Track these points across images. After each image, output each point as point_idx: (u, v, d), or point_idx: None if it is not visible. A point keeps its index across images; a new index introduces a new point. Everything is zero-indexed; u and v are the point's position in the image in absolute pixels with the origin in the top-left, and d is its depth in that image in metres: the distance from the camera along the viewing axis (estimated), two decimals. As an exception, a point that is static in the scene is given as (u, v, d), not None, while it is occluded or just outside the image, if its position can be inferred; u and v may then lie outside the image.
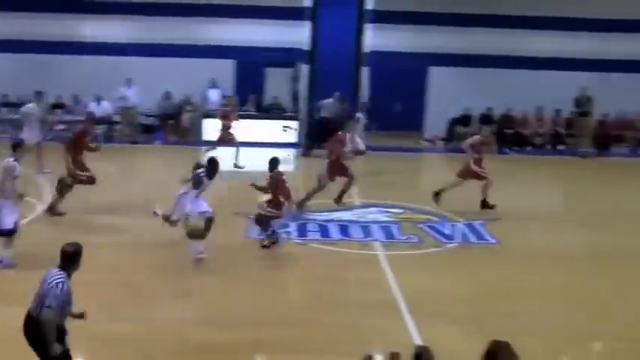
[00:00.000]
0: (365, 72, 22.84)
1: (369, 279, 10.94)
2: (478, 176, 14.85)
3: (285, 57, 22.50)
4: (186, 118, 22.77)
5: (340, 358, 7.89)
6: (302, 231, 13.13)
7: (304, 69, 22.85)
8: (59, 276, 6.42)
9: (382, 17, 22.38)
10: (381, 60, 22.32)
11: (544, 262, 11.89)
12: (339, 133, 15.29)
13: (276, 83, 22.90)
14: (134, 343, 8.13)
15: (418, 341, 8.19)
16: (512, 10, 22.68)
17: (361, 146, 17.72)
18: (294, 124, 22.01)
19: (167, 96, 22.75)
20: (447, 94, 22.39)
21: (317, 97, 22.31)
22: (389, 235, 13.09)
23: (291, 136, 21.73)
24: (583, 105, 22.93)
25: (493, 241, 13.03)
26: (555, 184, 18.38)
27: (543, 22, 22.80)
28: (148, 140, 22.29)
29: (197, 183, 11.24)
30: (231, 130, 18.65)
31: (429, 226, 13.71)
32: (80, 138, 13.93)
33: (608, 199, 16.98)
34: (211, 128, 20.25)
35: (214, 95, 22.80)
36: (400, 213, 14.50)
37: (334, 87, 21.45)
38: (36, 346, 6.37)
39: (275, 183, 11.97)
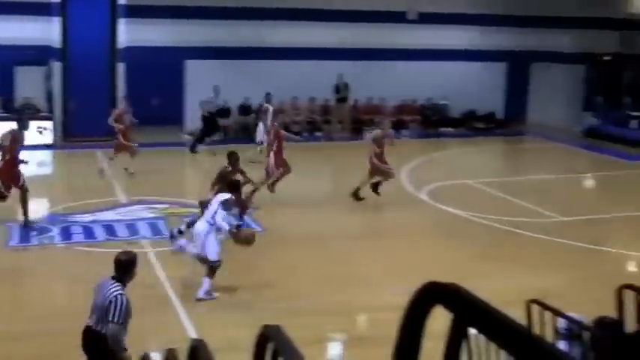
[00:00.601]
0: (121, 68, 22.35)
1: (140, 277, 10.79)
2: (383, 172, 15.29)
3: (36, 55, 21.40)
4: None
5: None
6: (65, 234, 12.72)
7: (57, 67, 21.91)
8: (116, 288, 6.25)
9: (135, 11, 22.00)
10: (137, 55, 21.95)
11: (308, 245, 12.47)
12: (276, 124, 15.91)
13: (28, 83, 21.73)
14: None
15: (194, 334, 8.30)
16: (268, 3, 23.24)
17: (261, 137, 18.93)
18: (49, 124, 21.07)
19: None
20: (204, 87, 22.48)
21: (71, 96, 21.53)
22: (156, 232, 13.04)
23: (47, 137, 20.80)
24: (341, 91, 24.12)
25: (259, 228, 13.39)
26: (313, 171, 19.19)
27: (299, 14, 23.58)
28: None
29: (228, 207, 10.31)
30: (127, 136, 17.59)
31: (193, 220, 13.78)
32: None
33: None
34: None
35: (-42, 98, 21.25)
36: (165, 208, 14.45)
37: (89, 84, 20.83)
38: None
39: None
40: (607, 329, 5.55)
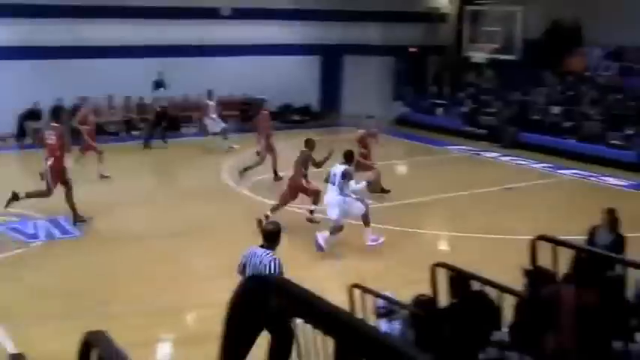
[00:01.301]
0: None
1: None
2: (368, 168, 15.66)
3: None
4: None
5: None
6: None
7: None
8: (269, 255, 7.21)
9: None
10: None
11: (130, 246, 12.27)
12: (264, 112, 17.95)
13: None
14: None
15: (12, 350, 7.95)
16: (74, 0, 22.40)
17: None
18: None
19: None
20: (12, 89, 21.38)
21: None
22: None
23: None
24: (161, 89, 23.58)
25: (77, 233, 12.99)
26: (131, 170, 18.81)
27: (113, 11, 22.87)
28: None
29: (350, 176, 12.07)
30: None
31: (9, 227, 13.15)
32: None
33: (183, 179, 17.90)
34: None
35: None
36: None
37: None
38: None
39: None
40: (423, 306, 5.90)
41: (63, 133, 13.33)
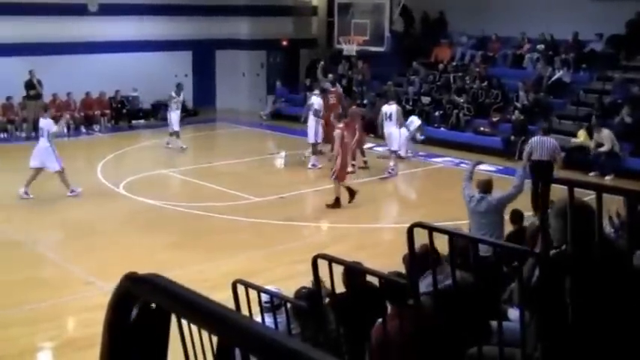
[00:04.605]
0: None
1: None
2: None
3: None
4: None
5: None
6: None
7: None
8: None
9: None
10: None
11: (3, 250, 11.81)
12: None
13: None
14: None
15: None
16: None
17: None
18: None
19: None
20: None
21: None
22: None
23: None
24: (34, 88, 22.71)
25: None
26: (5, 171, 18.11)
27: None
28: None
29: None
30: None
31: None
32: None
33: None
34: None
35: None
36: None
37: None
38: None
39: None
40: (305, 298, 5.97)
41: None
